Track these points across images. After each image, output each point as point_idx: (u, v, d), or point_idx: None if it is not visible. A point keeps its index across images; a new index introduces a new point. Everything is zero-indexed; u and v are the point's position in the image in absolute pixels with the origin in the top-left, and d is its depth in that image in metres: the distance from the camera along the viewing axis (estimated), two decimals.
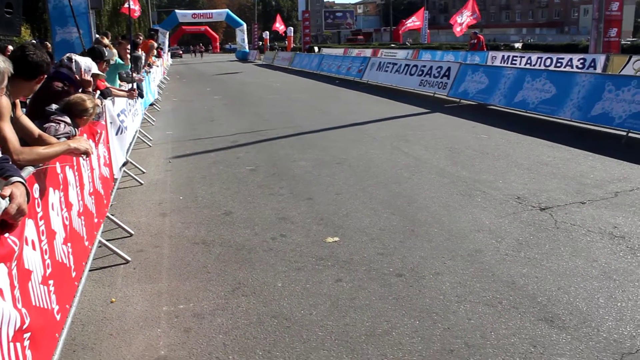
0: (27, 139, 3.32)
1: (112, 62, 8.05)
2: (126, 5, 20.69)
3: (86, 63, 4.89)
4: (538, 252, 4.42)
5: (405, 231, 4.97)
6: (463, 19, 28.03)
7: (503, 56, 23.96)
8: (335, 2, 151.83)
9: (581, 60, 19.29)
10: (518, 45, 38.30)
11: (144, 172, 7.52)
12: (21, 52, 3.42)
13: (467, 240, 4.71)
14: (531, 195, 5.93)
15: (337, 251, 4.56)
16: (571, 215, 5.25)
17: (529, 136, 9.28)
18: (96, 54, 6.28)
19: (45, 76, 3.58)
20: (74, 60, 4.78)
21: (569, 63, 20.02)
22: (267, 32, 60.59)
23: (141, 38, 14.47)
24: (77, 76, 4.76)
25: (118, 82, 8.79)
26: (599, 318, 3.39)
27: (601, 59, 17.93)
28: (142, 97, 9.76)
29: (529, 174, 6.85)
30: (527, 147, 8.51)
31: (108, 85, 7.20)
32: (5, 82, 2.37)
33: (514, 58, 23.34)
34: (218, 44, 75.57)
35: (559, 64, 20.39)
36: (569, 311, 3.48)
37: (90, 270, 3.94)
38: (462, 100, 13.90)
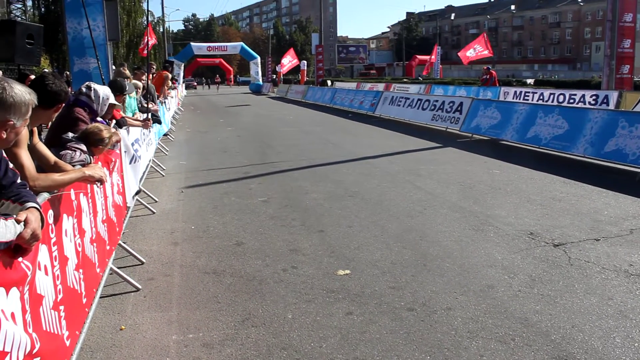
0: (43, 165, 3.37)
1: (131, 95, 8.20)
2: (144, 43, 21.17)
3: (104, 92, 4.98)
4: (552, 288, 4.36)
5: (417, 265, 4.93)
6: (473, 54, 28.29)
7: (515, 92, 24.06)
8: (349, 36, 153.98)
9: (594, 97, 19.33)
10: (530, 81, 38.43)
11: (156, 201, 7.56)
12: (40, 81, 3.48)
13: (479, 275, 4.66)
14: (544, 231, 5.88)
15: (348, 284, 4.53)
16: (585, 252, 5.19)
17: (541, 172, 9.25)
18: (117, 87, 6.39)
19: (63, 105, 3.64)
20: (93, 89, 4.87)
21: (582, 99, 20.06)
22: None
23: (154, 67, 14.74)
24: (95, 104, 4.84)
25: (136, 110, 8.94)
26: (616, 358, 3.32)
27: (614, 95, 17.97)
28: (159, 123, 9.88)
29: (541, 209, 6.81)
30: (540, 182, 8.47)
31: (123, 115, 7.31)
32: (29, 113, 2.43)
33: (527, 94, 23.42)
34: (232, 76, 76.47)
35: (571, 101, 20.43)
36: (584, 350, 3.42)
37: (100, 297, 3.95)
38: (474, 135, 13.92)
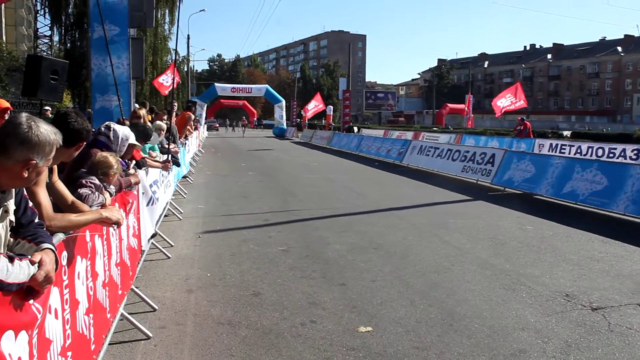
0: (60, 205, 3.43)
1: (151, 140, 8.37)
2: (160, 80, 21.67)
3: (124, 132, 5.10)
4: (589, 356, 4.24)
5: (443, 325, 4.85)
6: (505, 104, 28.33)
7: (551, 144, 24.00)
8: (377, 82, 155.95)
9: (635, 151, 19.16)
10: (567, 133, 38.31)
11: (172, 246, 7.61)
12: (63, 118, 3.58)
13: (510, 338, 4.56)
14: (581, 293, 5.75)
15: (369, 342, 4.46)
16: (627, 318, 5.05)
17: (578, 229, 9.12)
18: (141, 134, 6.56)
19: (84, 143, 3.73)
20: (112, 129, 5.00)
21: (622, 154, 19.90)
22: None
23: (176, 107, 15.05)
24: (114, 145, 4.96)
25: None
26: None
27: None
28: (177, 165, 10.04)
29: (578, 270, 6.68)
30: (577, 240, 8.34)
31: (144, 155, 7.45)
32: (53, 153, 2.49)
33: (563, 147, 23.35)
34: (255, 119, 77.54)
35: (611, 155, 20.28)
36: None
37: (109, 344, 3.95)
38: (506, 189, 13.83)
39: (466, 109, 51.44)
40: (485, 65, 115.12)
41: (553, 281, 6.19)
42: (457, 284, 6.04)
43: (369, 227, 9.13)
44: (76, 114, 3.64)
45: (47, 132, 2.42)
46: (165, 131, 9.76)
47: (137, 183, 5.48)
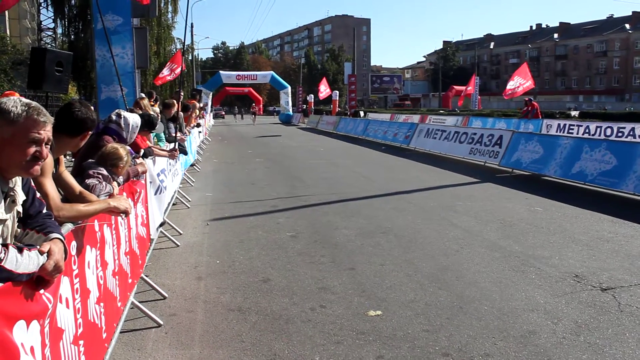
0: (68, 195, 3.45)
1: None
2: (162, 73, 21.53)
3: (134, 120, 5.10)
4: (600, 336, 4.23)
5: (452, 307, 4.86)
6: (514, 86, 28.09)
7: (559, 125, 23.86)
8: (383, 66, 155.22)
9: None
10: (575, 113, 38.03)
11: (180, 234, 7.64)
12: (67, 109, 3.57)
13: (519, 320, 4.56)
14: (591, 274, 5.74)
15: (379, 325, 4.48)
16: (637, 298, 5.04)
17: (587, 210, 9.08)
18: (147, 123, 6.56)
19: (90, 133, 3.72)
20: (122, 117, 5.00)
21: (631, 133, 19.76)
22: (312, 95, 61.91)
23: (182, 96, 15.03)
24: (125, 132, 4.96)
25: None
26: None
27: None
28: (185, 153, 10.05)
29: (588, 250, 6.66)
30: (586, 221, 8.31)
31: (150, 144, 7.46)
32: (44, 129, 2.41)
33: (571, 127, 23.21)
34: (261, 106, 77.23)
35: (620, 134, 20.13)
36: None
37: (120, 332, 3.98)
38: (514, 170, 13.78)
39: (469, 87, 50.68)
40: (491, 47, 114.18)
41: (562, 262, 6.18)
42: (466, 267, 6.04)
43: (377, 211, 9.13)
44: (80, 104, 3.64)
45: (17, 103, 2.35)
46: (172, 119, 9.75)
47: (144, 172, 5.49)
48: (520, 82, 25.90)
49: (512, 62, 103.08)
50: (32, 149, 2.35)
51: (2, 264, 2.00)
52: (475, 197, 10.48)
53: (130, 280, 4.38)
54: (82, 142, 3.66)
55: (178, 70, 19.96)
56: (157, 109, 10.17)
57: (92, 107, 3.66)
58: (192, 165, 14.29)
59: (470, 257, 6.40)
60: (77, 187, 3.56)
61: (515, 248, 6.78)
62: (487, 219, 8.48)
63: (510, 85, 25.60)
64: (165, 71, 21.04)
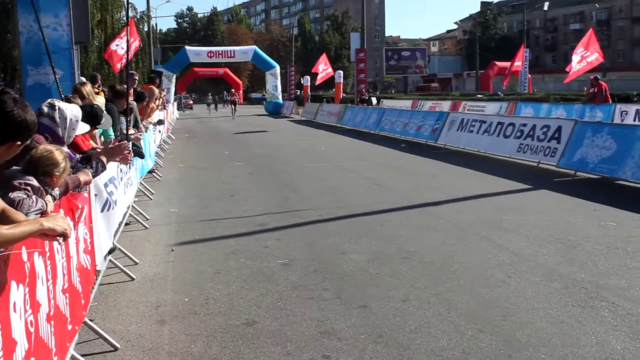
0: None
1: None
2: (113, 46, 21.33)
3: (73, 112, 5.07)
4: None
5: (499, 356, 4.87)
6: (578, 60, 28.04)
7: (637, 110, 23.80)
8: (401, 37, 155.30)
9: None
10: None
11: (136, 263, 7.64)
12: None
13: None
14: None
15: None
16: None
17: None
18: (89, 116, 6.52)
19: (20, 143, 3.57)
20: (57, 108, 4.97)
21: None
22: (308, 78, 61.83)
23: (136, 80, 15.07)
24: (61, 129, 4.93)
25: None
26: None
27: None
28: (141, 157, 10.06)
29: None
30: None
31: (94, 145, 7.47)
32: None
33: None
34: (241, 92, 77.11)
35: None
36: None
37: None
38: (578, 173, 13.79)
39: (516, 63, 49.20)
40: (545, 8, 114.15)
41: None
42: (516, 302, 6.04)
43: (396, 229, 9.15)
44: (14, 102, 3.44)
45: None
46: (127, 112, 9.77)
47: (87, 183, 5.50)
48: (583, 55, 25.83)
49: (572, 29, 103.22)
50: None
51: None
52: (527, 209, 10.50)
53: (70, 327, 4.37)
54: (10, 152, 3.53)
55: (137, 44, 19.79)
56: (102, 98, 10.17)
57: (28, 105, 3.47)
58: (150, 171, 14.30)
59: (521, 289, 6.40)
60: (0, 204, 3.55)
61: (580, 276, 6.79)
62: (542, 238, 8.50)
63: (575, 60, 25.46)
64: (118, 44, 20.84)
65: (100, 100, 9.36)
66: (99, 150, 7.10)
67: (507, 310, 5.84)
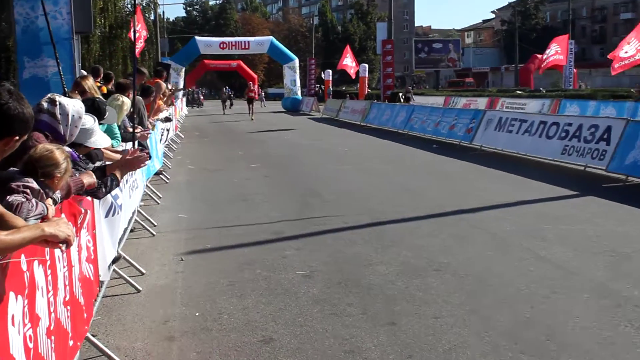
0: None
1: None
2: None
3: (76, 108, 5.08)
4: None
5: None
6: (629, 54, 27.74)
7: None
8: (432, 27, 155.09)
9: None
10: None
11: (143, 274, 7.67)
12: None
13: None
14: None
15: None
16: None
17: None
18: (92, 111, 6.52)
19: (17, 139, 3.61)
20: (58, 104, 4.98)
21: None
22: (330, 72, 61.73)
23: (145, 75, 15.13)
24: (62, 126, 4.94)
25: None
26: None
27: None
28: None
29: None
30: None
31: (109, 152, 7.47)
32: None
33: None
34: (256, 87, 77.01)
35: None
36: None
37: None
38: (630, 178, 13.69)
39: (560, 56, 48.20)
40: None
41: None
42: (562, 320, 6.01)
43: (428, 239, 9.13)
44: (9, 94, 3.49)
45: None
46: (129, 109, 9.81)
47: (91, 185, 5.51)
48: (637, 48, 25.56)
49: (623, 18, 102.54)
50: None
51: None
52: (573, 217, 10.45)
53: (71, 343, 4.38)
54: (6, 149, 3.56)
55: (144, 34, 19.88)
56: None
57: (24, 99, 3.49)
58: (157, 173, 14.34)
59: (568, 307, 6.37)
60: None
61: (634, 293, 6.74)
62: (591, 250, 8.45)
63: (622, 53, 25.30)
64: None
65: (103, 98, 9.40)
66: (103, 150, 7.10)
67: (551, 329, 5.81)
